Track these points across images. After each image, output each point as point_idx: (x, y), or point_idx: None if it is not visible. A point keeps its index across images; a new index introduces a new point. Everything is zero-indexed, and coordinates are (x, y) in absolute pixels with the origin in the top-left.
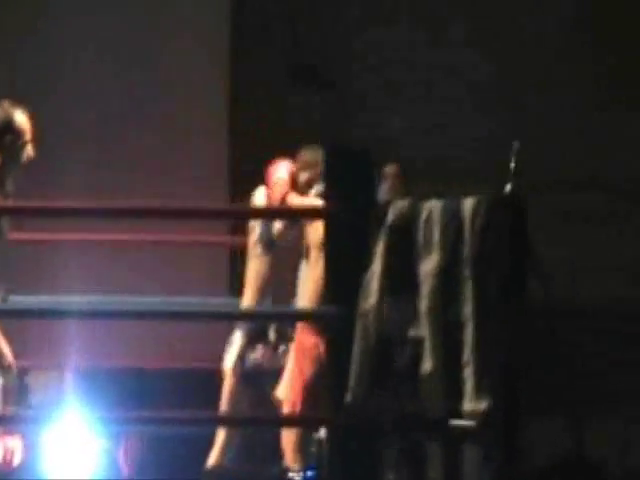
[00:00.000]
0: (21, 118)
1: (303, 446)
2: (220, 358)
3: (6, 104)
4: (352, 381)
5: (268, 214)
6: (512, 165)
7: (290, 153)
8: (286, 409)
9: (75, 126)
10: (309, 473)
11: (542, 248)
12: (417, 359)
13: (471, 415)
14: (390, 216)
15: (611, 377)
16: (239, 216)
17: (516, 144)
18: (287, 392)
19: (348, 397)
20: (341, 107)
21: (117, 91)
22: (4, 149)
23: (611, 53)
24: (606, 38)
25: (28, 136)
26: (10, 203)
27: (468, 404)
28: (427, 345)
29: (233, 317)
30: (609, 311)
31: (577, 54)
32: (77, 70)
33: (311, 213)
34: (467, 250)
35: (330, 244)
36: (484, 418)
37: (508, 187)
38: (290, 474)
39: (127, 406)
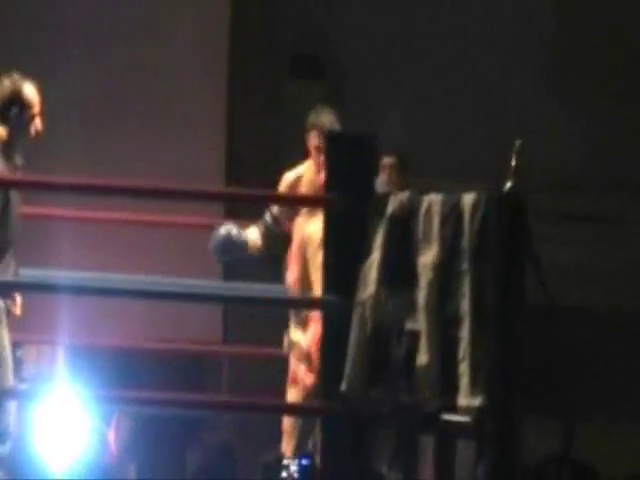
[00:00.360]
0: (30, 90)
1: (300, 434)
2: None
3: (15, 76)
4: (348, 370)
5: (268, 200)
6: (513, 163)
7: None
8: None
9: (73, 107)
10: (304, 461)
11: (549, 249)
12: (413, 352)
13: (466, 410)
14: (390, 207)
15: (609, 378)
16: (237, 199)
17: (518, 142)
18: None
19: (344, 385)
20: (341, 97)
21: (115, 74)
22: (12, 121)
23: (617, 52)
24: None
25: (37, 109)
26: (19, 177)
27: (463, 399)
28: (423, 338)
29: (230, 300)
30: (609, 312)
31: (579, 54)
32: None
33: (312, 201)
34: (466, 245)
35: (330, 232)
36: (479, 414)
37: (508, 184)
38: (285, 461)
39: (120, 386)
